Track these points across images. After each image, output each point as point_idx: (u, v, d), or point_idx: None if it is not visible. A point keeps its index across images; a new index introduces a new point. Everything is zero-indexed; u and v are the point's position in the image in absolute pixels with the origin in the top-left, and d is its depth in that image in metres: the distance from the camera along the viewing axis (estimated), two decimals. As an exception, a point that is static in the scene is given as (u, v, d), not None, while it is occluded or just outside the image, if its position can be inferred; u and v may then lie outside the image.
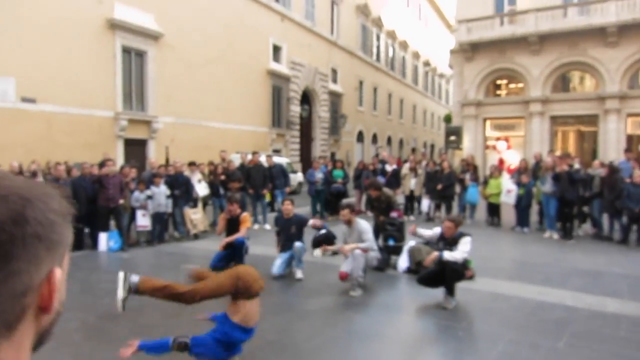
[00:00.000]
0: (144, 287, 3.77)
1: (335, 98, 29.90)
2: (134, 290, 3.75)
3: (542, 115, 21.17)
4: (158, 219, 9.71)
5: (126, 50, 16.46)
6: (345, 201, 7.40)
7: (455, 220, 5.90)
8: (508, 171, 16.20)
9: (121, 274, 3.75)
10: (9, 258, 0.59)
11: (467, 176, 12.56)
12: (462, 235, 5.78)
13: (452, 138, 24.11)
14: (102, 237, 8.95)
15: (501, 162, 19.70)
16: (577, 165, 10.59)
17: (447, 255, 5.61)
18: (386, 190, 8.47)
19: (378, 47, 36.25)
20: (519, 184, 11.27)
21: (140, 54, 17.05)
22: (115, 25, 15.76)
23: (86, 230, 9.31)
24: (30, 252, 0.61)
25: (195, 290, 3.74)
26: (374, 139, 36.34)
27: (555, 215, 10.50)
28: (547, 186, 10.40)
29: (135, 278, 3.77)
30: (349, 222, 6.57)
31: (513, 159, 20.28)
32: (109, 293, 6.23)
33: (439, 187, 12.19)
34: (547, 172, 10.58)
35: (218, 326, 3.79)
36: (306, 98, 27.23)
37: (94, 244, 9.14)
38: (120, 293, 3.69)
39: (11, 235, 0.59)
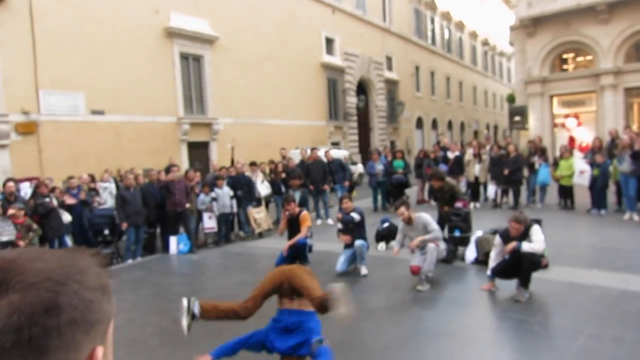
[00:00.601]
0: (206, 313, 3.86)
1: (391, 86, 29.43)
2: (198, 316, 3.85)
3: (614, 87, 19.77)
4: (223, 220, 9.99)
5: (184, 56, 16.98)
6: (397, 201, 7.21)
7: (521, 220, 5.56)
8: (580, 149, 15.35)
9: (185, 302, 3.83)
10: (44, 352, 0.57)
11: (536, 158, 11.96)
12: (529, 226, 5.51)
13: (517, 118, 23.04)
14: (172, 240, 9.32)
15: (571, 140, 18.70)
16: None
17: (526, 246, 5.35)
18: (449, 179, 8.23)
19: (433, 30, 35.25)
20: (592, 164, 10.59)
21: (197, 59, 17.53)
22: (172, 33, 16.28)
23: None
24: (67, 339, 0.59)
25: (246, 302, 3.84)
26: (434, 124, 35.47)
27: (635, 195, 9.78)
28: (626, 165, 9.71)
29: (196, 308, 3.85)
30: (409, 221, 6.40)
31: (584, 137, 19.17)
32: (182, 296, 6.47)
33: (506, 172, 11.67)
34: (624, 150, 9.87)
35: (308, 324, 3.76)
36: (362, 88, 26.97)
37: (165, 247, 9.54)
38: (184, 321, 3.80)
39: (45, 328, 0.57)
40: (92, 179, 10.69)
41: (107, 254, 8.78)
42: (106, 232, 8.77)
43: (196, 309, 3.77)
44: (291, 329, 3.83)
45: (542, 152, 12.24)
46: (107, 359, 0.68)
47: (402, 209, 6.39)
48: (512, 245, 5.48)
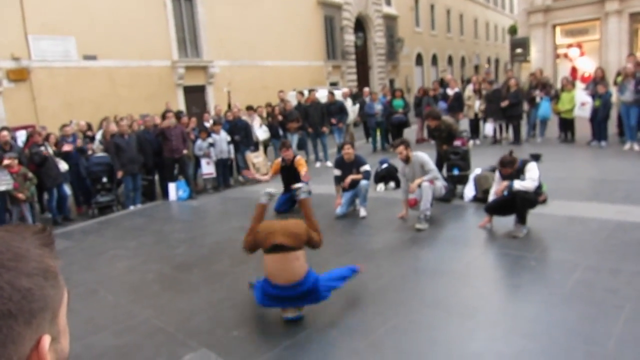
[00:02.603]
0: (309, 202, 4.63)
1: (390, 22, 28.49)
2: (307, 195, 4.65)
3: (619, 13, 19.08)
4: (221, 165, 9.94)
5: (175, -4, 16.34)
6: (397, 140, 7.11)
7: (506, 163, 5.50)
8: (582, 80, 15.01)
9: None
10: None
11: (537, 92, 11.71)
12: (525, 163, 5.46)
13: (519, 50, 22.44)
14: (171, 187, 9.33)
15: (574, 70, 18.22)
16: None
17: (518, 184, 5.33)
18: (446, 118, 8.07)
19: (432, -41, 33.73)
20: (594, 95, 10.37)
21: (189, -1, 16.88)
22: (160, -28, 15.58)
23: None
24: (3, 334, 0.53)
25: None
26: (434, 60, 34.65)
27: (636, 124, 9.64)
28: (628, 94, 9.51)
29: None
30: (407, 159, 6.35)
31: (587, 67, 18.68)
32: (182, 243, 6.56)
33: (505, 103, 11.40)
34: (627, 78, 9.63)
35: (317, 278, 3.94)
36: (360, 25, 26.13)
37: (164, 194, 9.57)
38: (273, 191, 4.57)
39: None
40: (89, 126, 10.56)
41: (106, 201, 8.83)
42: (104, 179, 8.74)
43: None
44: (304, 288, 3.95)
45: (543, 85, 11.96)
46: (59, 345, 0.63)
47: (401, 148, 6.32)
48: (504, 184, 5.47)
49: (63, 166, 8.36)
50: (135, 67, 14.99)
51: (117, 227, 7.88)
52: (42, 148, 8.09)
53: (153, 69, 15.56)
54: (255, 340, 3.77)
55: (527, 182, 5.36)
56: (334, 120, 11.79)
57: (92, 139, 9.98)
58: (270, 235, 3.83)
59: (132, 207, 8.97)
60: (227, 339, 3.77)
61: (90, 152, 8.93)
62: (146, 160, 9.14)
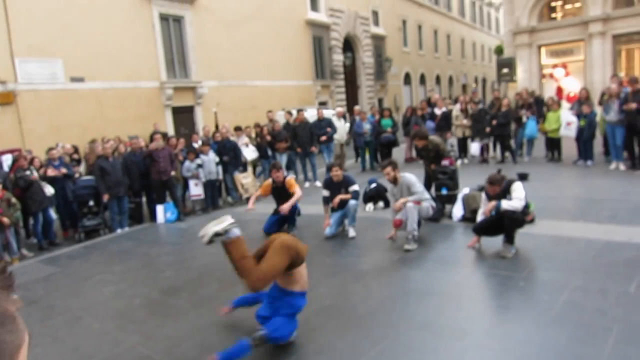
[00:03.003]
0: (233, 246, 3.68)
1: (378, 41, 28.86)
2: (225, 239, 3.67)
3: (603, 35, 19.51)
4: (210, 186, 9.90)
5: (164, 18, 16.42)
6: (385, 161, 7.14)
7: (494, 181, 5.56)
8: (568, 100, 15.26)
9: (229, 218, 3.76)
10: None
11: (523, 111, 11.87)
12: (510, 182, 5.51)
13: (505, 70, 22.80)
14: (159, 209, 9.26)
15: (559, 90, 18.56)
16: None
17: (505, 204, 5.36)
18: (433, 138, 8.12)
19: (419, -18, 34.35)
20: (579, 115, 10.54)
21: (178, 20, 16.98)
22: (150, -6, 15.69)
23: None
24: None
25: (261, 274, 3.62)
26: (422, 79, 35.06)
27: (622, 144, 9.78)
28: (612, 114, 9.66)
29: (236, 232, 3.71)
30: (394, 180, 6.37)
31: (572, 87, 19.03)
32: (169, 266, 6.48)
33: (494, 122, 11.54)
34: (611, 99, 9.79)
35: (280, 303, 3.80)
36: (348, 45, 26.43)
37: (152, 216, 9.48)
38: (216, 228, 3.65)
39: None
40: (76, 149, 10.49)
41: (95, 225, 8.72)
42: (91, 203, 8.66)
43: (235, 233, 3.69)
44: (272, 301, 3.87)
45: (529, 105, 12.14)
46: None
47: (388, 169, 6.35)
48: (492, 205, 5.50)
49: (49, 190, 8.27)
50: (123, 88, 14.98)
51: (104, 251, 7.77)
52: (28, 172, 8.01)
53: (141, 90, 15.56)
54: (242, 366, 3.70)
55: (515, 201, 5.39)
56: (323, 138, 11.79)
57: (79, 162, 9.91)
58: (303, 247, 3.89)
59: (119, 231, 8.86)
60: (214, 366, 3.70)
61: (77, 176, 8.86)
62: (132, 183, 9.07)
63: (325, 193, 7.14)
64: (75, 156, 10.24)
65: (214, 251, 6.98)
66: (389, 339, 3.84)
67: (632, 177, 9.00)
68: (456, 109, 12.80)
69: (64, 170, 8.72)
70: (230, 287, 5.34)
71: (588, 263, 5.07)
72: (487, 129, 11.63)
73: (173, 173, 9.29)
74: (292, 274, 3.79)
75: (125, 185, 8.86)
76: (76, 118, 13.61)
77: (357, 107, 14.60)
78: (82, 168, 9.44)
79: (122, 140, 12.09)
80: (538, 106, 12.00)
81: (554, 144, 11.57)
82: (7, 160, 9.59)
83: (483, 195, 5.86)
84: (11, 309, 0.60)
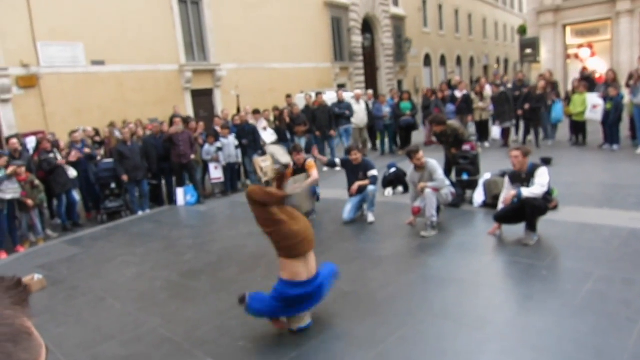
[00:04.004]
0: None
1: (398, 22, 28.38)
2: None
3: (631, 13, 18.84)
4: (229, 169, 9.94)
5: (182, 0, 16.37)
6: (414, 145, 7.06)
7: (521, 149, 5.46)
8: (595, 80, 14.82)
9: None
10: None
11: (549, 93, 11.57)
12: (535, 167, 5.37)
13: (528, 51, 22.25)
14: (179, 192, 9.35)
15: (584, 71, 18.03)
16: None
17: (526, 192, 5.25)
18: (452, 122, 7.95)
19: (440, -41, 33.57)
20: (605, 97, 10.24)
21: (196, 2, 16.91)
22: (167, -24, 15.63)
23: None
24: None
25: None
26: (442, 60, 34.46)
27: (650, 128, 9.52)
28: (640, 97, 9.38)
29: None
30: (421, 166, 6.27)
31: (598, 67, 18.48)
32: (190, 249, 6.55)
33: (527, 106, 11.21)
34: (639, 81, 9.49)
35: (274, 285, 3.86)
36: (367, 26, 26.04)
37: (170, 199, 9.58)
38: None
39: None
40: (97, 132, 10.61)
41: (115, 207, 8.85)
42: (113, 185, 8.78)
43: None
44: None
45: (553, 87, 11.82)
46: None
47: (421, 154, 6.24)
48: (512, 193, 5.38)
49: (72, 172, 8.40)
50: (143, 71, 15.04)
51: (126, 233, 7.90)
52: (52, 155, 8.13)
53: (161, 73, 15.61)
54: (261, 351, 3.74)
55: (536, 187, 5.26)
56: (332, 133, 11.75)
57: (101, 144, 10.03)
58: (306, 242, 3.85)
59: (140, 213, 8.99)
60: (233, 350, 3.75)
61: (99, 158, 8.97)
62: (150, 166, 9.15)
63: (338, 162, 7.36)
64: (97, 139, 10.35)
65: (233, 234, 7.07)
66: (408, 327, 3.82)
67: (660, 163, 8.76)
68: (473, 92, 12.53)
69: (87, 150, 8.83)
70: (249, 271, 5.40)
71: (613, 252, 4.96)
72: (519, 112, 11.35)
73: (193, 156, 9.34)
74: (283, 261, 3.83)
75: (144, 169, 8.94)
76: (97, 101, 13.74)
77: (370, 91, 14.43)
78: (102, 151, 9.55)
79: (142, 124, 12.19)
80: (555, 91, 11.67)
81: (578, 128, 11.28)
82: (31, 142, 9.73)
83: (506, 180, 5.75)
84: (26, 325, 0.58)
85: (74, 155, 8.54)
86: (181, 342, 3.93)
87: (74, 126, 10.61)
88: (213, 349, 3.78)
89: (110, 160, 9.03)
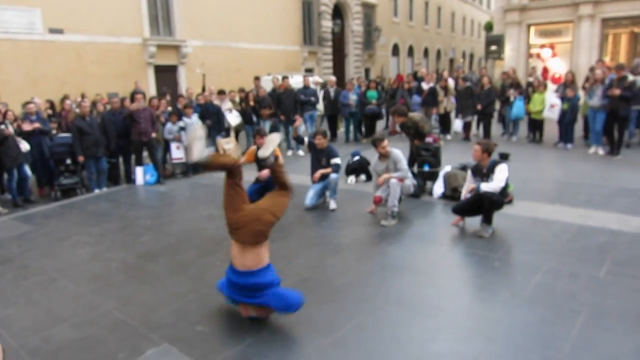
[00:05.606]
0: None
1: (368, 10, 28.38)
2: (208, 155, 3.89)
3: (592, 18, 19.51)
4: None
5: (148, -28, 15.84)
6: (379, 133, 7.13)
7: (483, 144, 5.63)
8: (552, 81, 15.33)
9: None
10: None
11: (511, 91, 11.88)
12: (496, 163, 5.55)
13: (493, 47, 22.75)
14: (139, 171, 9.12)
15: (545, 71, 18.59)
16: (630, 77, 9.76)
17: (484, 186, 5.42)
18: (413, 115, 8.05)
19: (413, -50, 33.67)
20: (563, 98, 10.61)
21: (163, -26, 16.40)
22: (133, -55, 15.06)
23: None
24: None
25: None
26: (410, 51, 34.76)
27: (601, 129, 9.92)
28: (595, 99, 9.74)
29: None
30: (386, 155, 6.35)
31: (558, 68, 19.08)
32: (148, 230, 6.43)
33: (479, 107, 11.60)
34: (595, 84, 9.86)
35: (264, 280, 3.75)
36: (338, 12, 25.93)
37: (128, 178, 9.34)
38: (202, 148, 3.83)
39: None
40: (51, 104, 10.18)
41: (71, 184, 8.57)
42: (68, 161, 8.47)
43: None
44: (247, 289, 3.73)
45: (517, 85, 12.15)
46: None
47: (386, 143, 6.32)
48: (471, 187, 5.62)
49: (24, 146, 8.04)
50: (104, 43, 14.53)
51: (81, 212, 7.66)
52: (2, 126, 7.76)
53: (123, 45, 15.11)
54: (218, 335, 3.73)
55: (494, 183, 5.45)
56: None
57: (55, 117, 9.63)
58: (244, 226, 3.62)
59: (97, 191, 8.73)
60: (190, 334, 3.73)
61: (53, 132, 8.62)
62: (109, 143, 8.87)
63: (305, 141, 7.38)
64: (50, 112, 9.92)
65: (193, 216, 6.98)
66: (365, 314, 3.90)
67: (610, 163, 9.17)
68: (438, 86, 12.74)
69: (37, 125, 8.42)
70: (208, 254, 5.35)
71: (562, 246, 5.18)
72: (479, 107, 11.63)
73: (154, 135, 9.12)
74: (251, 250, 3.66)
75: (103, 146, 8.67)
76: (54, 71, 13.20)
77: (332, 78, 14.44)
78: (56, 124, 9.14)
79: (98, 99, 11.77)
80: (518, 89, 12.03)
81: (536, 125, 11.67)
82: (-19, 112, 9.26)
83: (469, 173, 5.91)
84: None
85: (29, 125, 8.18)
86: (137, 326, 3.87)
87: (28, 97, 10.15)
88: (170, 333, 3.74)
89: (66, 134, 8.69)
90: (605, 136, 10.02)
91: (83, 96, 11.55)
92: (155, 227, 6.57)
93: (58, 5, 13.18)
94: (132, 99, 9.51)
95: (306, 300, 4.12)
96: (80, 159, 8.37)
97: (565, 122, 10.65)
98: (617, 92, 9.21)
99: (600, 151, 9.93)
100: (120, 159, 9.57)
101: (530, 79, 12.18)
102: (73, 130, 8.39)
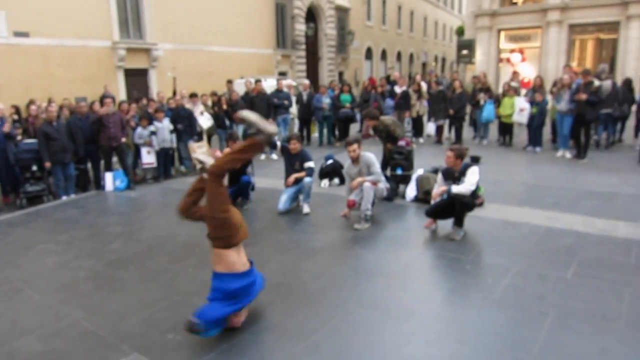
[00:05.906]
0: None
1: (342, 13, 28.51)
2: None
3: (560, 23, 20.04)
4: (163, 154, 9.62)
5: (117, -28, 15.56)
6: (352, 136, 7.15)
7: (456, 149, 5.70)
8: (522, 85, 15.66)
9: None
10: None
11: (482, 94, 12.10)
12: (467, 166, 5.63)
13: (464, 52, 23.13)
14: (108, 176, 8.93)
15: (515, 75, 18.98)
16: (596, 82, 10.05)
17: (455, 189, 5.49)
18: (384, 118, 8.11)
19: (385, -45, 33.99)
20: (532, 102, 10.86)
21: (133, -24, 16.13)
22: (102, -53, 14.77)
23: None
24: None
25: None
26: (383, 55, 35.07)
27: (569, 133, 10.18)
28: (563, 104, 9.99)
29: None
30: (357, 159, 6.37)
31: (527, 73, 19.53)
32: (117, 237, 6.30)
33: (451, 112, 11.77)
34: (563, 89, 10.11)
35: (211, 286, 3.71)
36: (311, 15, 25.97)
37: (97, 184, 9.14)
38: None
39: None
40: (16, 110, 9.89)
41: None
42: (34, 167, 8.23)
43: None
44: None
45: (487, 89, 12.38)
46: None
47: (355, 146, 6.31)
48: (442, 189, 5.69)
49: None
50: (72, 46, 14.19)
51: (47, 219, 7.46)
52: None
53: (91, 49, 14.78)
54: (190, 344, 3.67)
55: (464, 186, 5.52)
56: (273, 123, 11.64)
57: (20, 122, 9.36)
58: (244, 230, 3.75)
59: (64, 198, 8.51)
60: (161, 343, 3.66)
61: (18, 138, 8.37)
62: (77, 148, 8.66)
63: (278, 145, 7.52)
64: (16, 117, 9.64)
65: (164, 222, 6.87)
66: (338, 318, 3.89)
67: (576, 166, 9.42)
68: (411, 89, 12.87)
69: (6, 129, 8.18)
70: (180, 261, 5.27)
71: (530, 248, 5.29)
72: (451, 111, 11.79)
73: (124, 139, 8.95)
74: (218, 253, 3.65)
75: (71, 151, 8.46)
76: (19, 76, 12.82)
77: (306, 81, 14.45)
78: (21, 130, 8.88)
79: (65, 103, 11.48)
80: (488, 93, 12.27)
81: (506, 129, 11.90)
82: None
83: (439, 176, 5.97)
84: None
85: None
86: (105, 336, 3.78)
87: (-8, 101, 9.87)
88: (140, 342, 3.67)
89: (32, 140, 8.45)
90: (572, 140, 10.29)
91: (50, 101, 11.26)
92: (126, 234, 6.44)
93: (23, 8, 12.82)
94: (102, 104, 9.31)
95: (279, 306, 4.11)
96: (47, 165, 8.15)
97: (534, 125, 10.90)
98: (583, 96, 9.47)
99: (568, 155, 10.19)
100: (89, 165, 9.35)
101: (514, 84, 12.36)
102: (39, 135, 8.16)
